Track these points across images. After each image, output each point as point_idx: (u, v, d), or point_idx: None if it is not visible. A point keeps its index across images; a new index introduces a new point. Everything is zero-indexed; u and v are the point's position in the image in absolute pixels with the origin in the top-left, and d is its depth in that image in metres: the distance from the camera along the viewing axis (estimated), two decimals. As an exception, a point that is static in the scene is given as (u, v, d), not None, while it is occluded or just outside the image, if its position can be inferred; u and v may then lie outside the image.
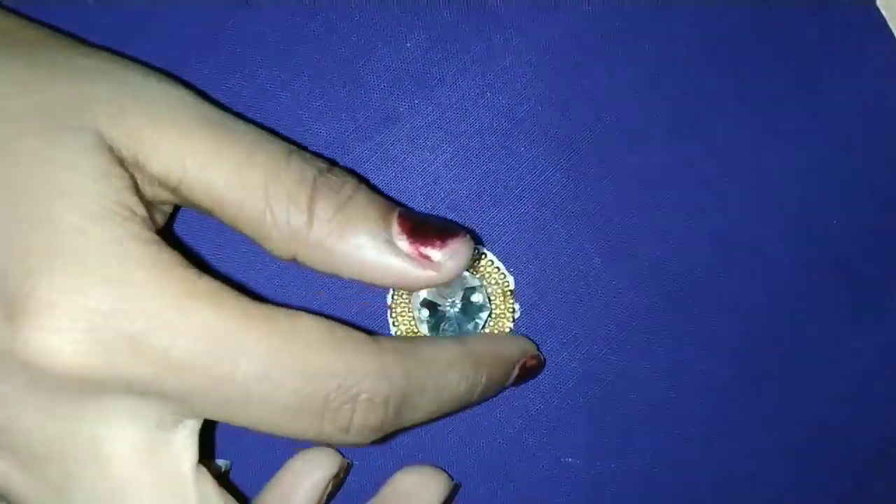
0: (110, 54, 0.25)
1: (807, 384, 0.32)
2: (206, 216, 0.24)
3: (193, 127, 0.23)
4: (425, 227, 0.23)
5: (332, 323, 0.23)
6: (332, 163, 0.25)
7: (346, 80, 0.31)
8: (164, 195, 0.23)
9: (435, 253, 0.23)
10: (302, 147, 0.25)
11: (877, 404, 0.32)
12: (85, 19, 0.30)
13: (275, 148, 0.23)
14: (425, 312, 0.31)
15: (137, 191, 0.22)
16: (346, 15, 0.31)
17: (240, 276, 0.31)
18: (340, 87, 0.31)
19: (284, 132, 0.31)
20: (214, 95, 0.31)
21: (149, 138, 0.22)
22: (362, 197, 0.24)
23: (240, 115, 0.30)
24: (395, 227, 0.23)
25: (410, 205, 0.31)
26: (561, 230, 0.31)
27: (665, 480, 0.32)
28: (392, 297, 0.31)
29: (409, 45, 0.31)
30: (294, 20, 0.31)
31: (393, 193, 0.31)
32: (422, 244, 0.23)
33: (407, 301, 0.31)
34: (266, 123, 0.31)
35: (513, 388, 0.29)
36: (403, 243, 0.23)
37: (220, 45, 0.31)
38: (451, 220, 0.22)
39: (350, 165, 0.31)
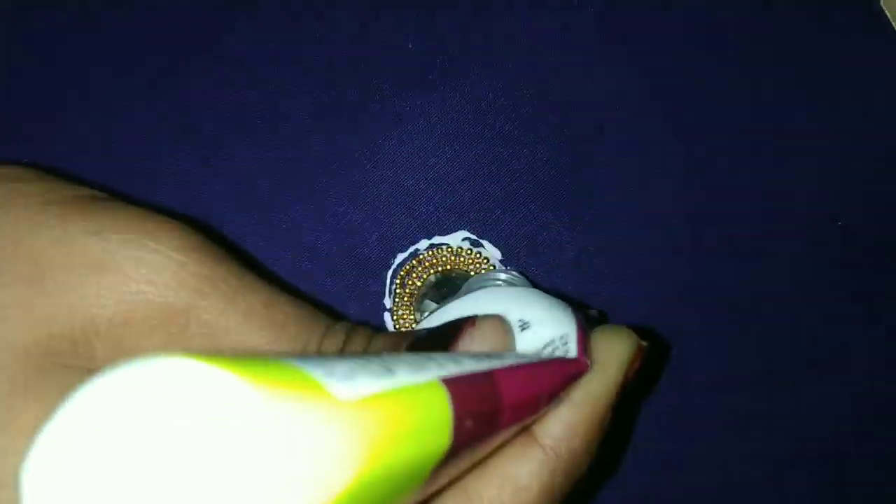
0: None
1: (812, 387, 0.32)
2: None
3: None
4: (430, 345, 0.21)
5: None
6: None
7: (349, 82, 0.31)
8: None
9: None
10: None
11: (879, 405, 0.32)
12: (86, 21, 0.30)
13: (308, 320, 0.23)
14: (427, 315, 0.30)
15: None
16: (348, 17, 0.31)
17: (241, 278, 0.31)
18: (343, 89, 0.31)
19: (286, 134, 0.31)
20: (217, 97, 0.31)
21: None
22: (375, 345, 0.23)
23: (240, 121, 0.30)
24: None
25: (412, 208, 0.31)
26: (564, 231, 0.31)
27: (668, 484, 0.31)
28: (393, 300, 0.31)
29: (411, 46, 0.31)
30: (296, 22, 0.31)
31: (395, 195, 0.31)
32: None
33: (408, 304, 0.31)
34: (267, 125, 0.31)
35: None
36: None
37: (222, 46, 0.31)
38: (457, 320, 0.21)
39: (352, 166, 0.31)
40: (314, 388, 0.12)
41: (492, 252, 0.31)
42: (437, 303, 0.31)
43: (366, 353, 0.21)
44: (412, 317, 0.31)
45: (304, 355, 0.15)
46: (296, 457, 0.11)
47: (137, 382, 0.11)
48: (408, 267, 0.31)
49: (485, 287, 0.24)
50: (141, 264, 0.20)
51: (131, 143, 0.31)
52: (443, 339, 0.20)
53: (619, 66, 0.31)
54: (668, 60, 0.32)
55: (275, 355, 0.14)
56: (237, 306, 0.21)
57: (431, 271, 0.31)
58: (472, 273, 0.31)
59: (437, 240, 0.31)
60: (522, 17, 0.31)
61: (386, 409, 0.13)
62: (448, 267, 0.31)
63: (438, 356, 0.17)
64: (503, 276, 0.28)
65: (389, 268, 0.31)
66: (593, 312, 0.27)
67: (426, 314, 0.30)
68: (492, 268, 0.31)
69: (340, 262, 0.31)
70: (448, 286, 0.31)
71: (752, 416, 0.32)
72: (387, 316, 0.31)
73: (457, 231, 0.31)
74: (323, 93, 0.31)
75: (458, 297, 0.24)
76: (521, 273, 0.29)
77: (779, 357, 0.32)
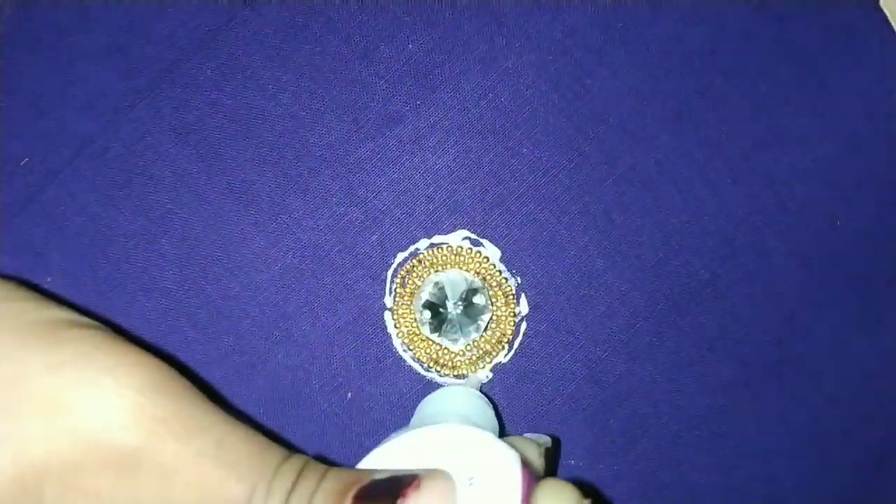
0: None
1: (808, 385, 0.32)
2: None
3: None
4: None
5: None
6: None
7: (348, 81, 0.31)
8: None
9: None
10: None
11: (878, 404, 0.32)
12: (86, 20, 0.30)
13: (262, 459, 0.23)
14: (427, 314, 0.31)
15: None
16: (347, 16, 0.31)
17: (243, 278, 0.31)
18: (342, 88, 0.31)
19: (286, 133, 0.31)
20: (215, 96, 0.31)
21: None
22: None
23: (240, 120, 0.30)
24: None
25: (412, 208, 0.31)
26: (563, 231, 0.31)
27: (667, 482, 0.32)
28: (393, 300, 0.31)
29: (411, 46, 0.31)
30: (295, 21, 0.31)
31: (395, 194, 0.31)
32: None
33: (409, 303, 0.31)
34: (267, 124, 0.31)
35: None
36: None
37: (221, 45, 0.31)
38: (402, 477, 0.21)
39: (352, 166, 0.31)
40: None
41: (492, 251, 0.31)
42: (438, 302, 0.31)
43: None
44: (412, 316, 0.31)
45: None
46: None
47: None
48: (408, 266, 0.31)
49: (440, 421, 0.24)
50: (96, 405, 0.20)
51: (131, 144, 0.30)
52: (388, 496, 0.20)
53: (620, 65, 0.31)
54: (668, 60, 0.32)
55: None
56: (189, 448, 0.21)
57: (432, 270, 0.31)
58: (474, 273, 0.31)
59: (437, 239, 0.31)
60: (523, 16, 0.31)
61: None
62: (449, 266, 0.31)
63: None
64: (463, 398, 0.28)
65: (390, 267, 0.31)
66: (545, 441, 0.27)
67: (424, 313, 0.30)
68: (492, 266, 0.31)
69: (340, 261, 0.31)
70: (451, 287, 0.31)
71: (749, 414, 0.32)
72: (387, 315, 0.31)
73: (457, 230, 0.31)
74: (323, 92, 0.31)
75: (412, 424, 0.24)
76: (482, 392, 0.30)
77: (777, 356, 0.32)
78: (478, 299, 0.31)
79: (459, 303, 0.31)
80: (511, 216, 0.31)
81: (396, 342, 0.31)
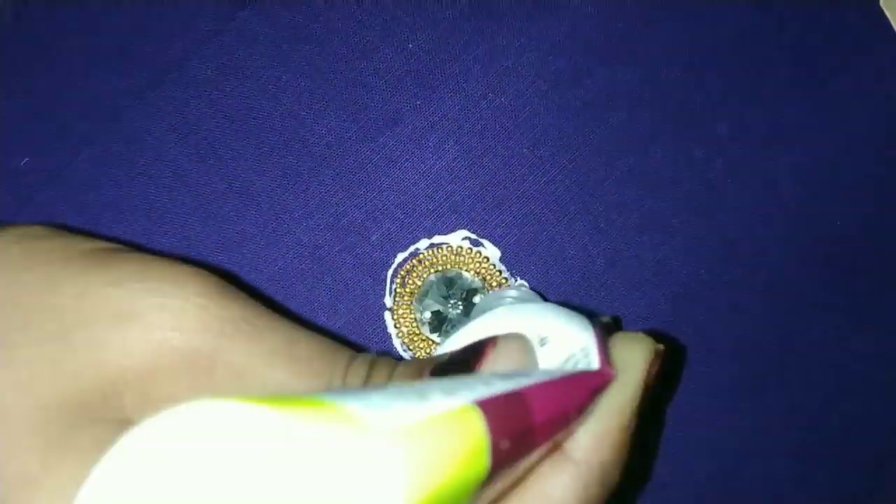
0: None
1: (808, 384, 0.32)
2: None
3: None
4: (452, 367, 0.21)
5: None
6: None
7: (348, 81, 0.31)
8: None
9: None
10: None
11: (877, 404, 0.32)
12: (86, 21, 0.30)
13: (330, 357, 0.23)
14: (427, 314, 0.31)
15: None
16: (347, 15, 0.31)
17: (243, 277, 0.31)
18: (342, 88, 0.31)
19: (286, 133, 0.31)
20: (216, 96, 0.31)
21: None
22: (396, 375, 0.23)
23: (240, 120, 0.30)
24: None
25: (412, 208, 0.31)
26: (563, 231, 0.31)
27: (667, 482, 0.32)
28: (393, 300, 0.31)
29: (411, 46, 0.31)
30: (296, 21, 0.31)
31: (395, 195, 0.31)
32: None
33: (409, 303, 0.31)
34: (267, 124, 0.31)
35: None
36: None
37: (221, 45, 0.31)
38: (477, 343, 0.21)
39: (352, 166, 0.31)
40: (352, 421, 0.12)
41: (492, 251, 0.31)
42: (438, 302, 0.31)
43: (392, 383, 0.21)
44: (412, 316, 0.31)
45: (338, 391, 0.15)
46: (339, 490, 0.11)
47: (169, 430, 0.11)
48: (408, 266, 0.31)
49: (499, 306, 0.23)
50: (164, 311, 0.20)
51: (131, 144, 0.30)
52: (465, 364, 0.20)
53: (620, 65, 0.31)
54: (668, 61, 0.32)
55: (310, 393, 0.14)
56: (261, 346, 0.21)
57: (432, 270, 0.31)
58: (474, 273, 0.31)
59: (437, 239, 0.31)
60: (523, 16, 0.31)
61: (425, 437, 0.13)
62: (449, 266, 0.31)
63: (468, 379, 0.17)
64: (514, 292, 0.28)
65: (390, 267, 0.31)
66: (606, 319, 0.27)
67: (425, 313, 0.30)
68: (492, 266, 0.31)
69: (340, 261, 0.31)
70: (451, 287, 0.31)
71: (749, 414, 0.32)
72: (387, 315, 0.31)
73: (457, 230, 0.31)
74: (323, 92, 0.31)
75: (473, 318, 0.24)
76: (529, 287, 0.29)
77: (777, 356, 0.32)
78: (478, 299, 0.31)
79: (459, 303, 0.31)
80: (511, 216, 0.31)
81: (396, 342, 0.31)
